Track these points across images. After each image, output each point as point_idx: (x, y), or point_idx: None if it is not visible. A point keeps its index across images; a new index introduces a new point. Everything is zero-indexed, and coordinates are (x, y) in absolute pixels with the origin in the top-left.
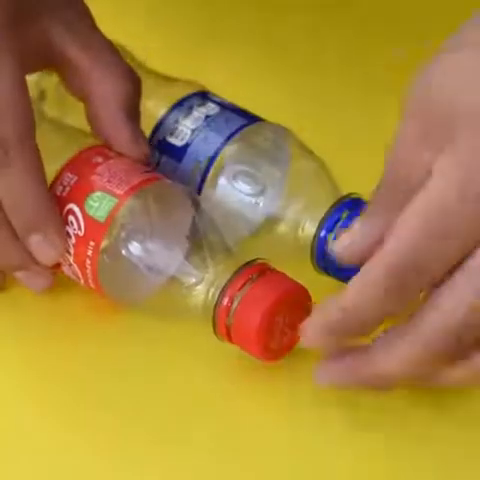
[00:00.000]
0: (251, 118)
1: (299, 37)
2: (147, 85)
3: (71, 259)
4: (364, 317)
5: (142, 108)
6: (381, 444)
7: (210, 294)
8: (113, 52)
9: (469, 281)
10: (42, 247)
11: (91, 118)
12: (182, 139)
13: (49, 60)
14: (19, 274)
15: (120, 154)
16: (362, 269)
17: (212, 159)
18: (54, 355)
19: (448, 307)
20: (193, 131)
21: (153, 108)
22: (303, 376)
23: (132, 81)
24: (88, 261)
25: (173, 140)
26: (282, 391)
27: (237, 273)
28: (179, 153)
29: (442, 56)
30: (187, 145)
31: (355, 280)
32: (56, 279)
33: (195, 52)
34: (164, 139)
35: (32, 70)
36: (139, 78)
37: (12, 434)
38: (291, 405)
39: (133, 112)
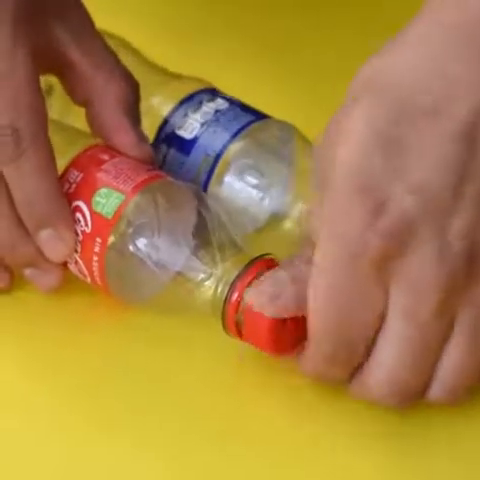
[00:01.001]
0: (258, 115)
1: (304, 36)
2: (152, 82)
3: (78, 256)
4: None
5: (147, 104)
6: (382, 438)
7: (219, 290)
8: (113, 58)
9: (390, 345)
10: (52, 242)
11: (94, 121)
12: (191, 132)
13: (53, 63)
14: (28, 272)
15: (123, 154)
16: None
17: (219, 154)
18: (60, 354)
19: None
20: (202, 124)
21: (159, 105)
22: None
23: (132, 86)
24: (95, 258)
25: (182, 133)
26: (287, 385)
27: (245, 268)
28: (188, 146)
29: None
30: (196, 138)
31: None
32: (63, 278)
33: (200, 50)
34: (173, 132)
35: (41, 71)
36: (137, 82)
37: (21, 425)
38: (295, 400)
39: (135, 115)
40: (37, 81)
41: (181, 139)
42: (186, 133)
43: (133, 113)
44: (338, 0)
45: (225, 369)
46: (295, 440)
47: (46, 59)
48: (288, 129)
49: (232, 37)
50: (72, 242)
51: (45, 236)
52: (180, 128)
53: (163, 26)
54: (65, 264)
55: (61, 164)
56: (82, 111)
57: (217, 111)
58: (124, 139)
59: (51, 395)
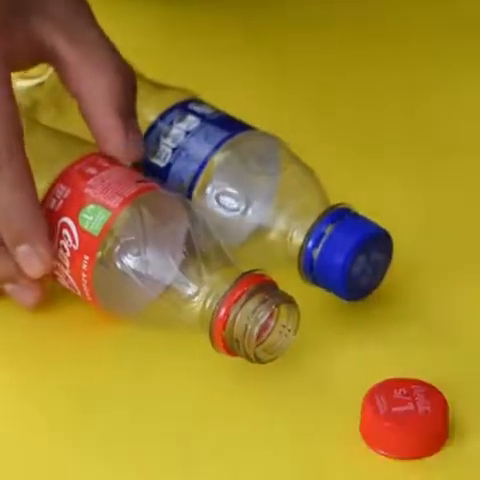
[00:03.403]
0: (234, 129)
1: (296, 42)
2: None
3: (67, 272)
4: None
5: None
6: None
7: (207, 305)
8: (107, 48)
9: None
10: (29, 259)
11: (83, 116)
12: (164, 159)
13: (40, 57)
14: (8, 288)
15: (114, 163)
16: None
17: (195, 178)
18: (49, 366)
19: None
20: (174, 150)
21: (144, 117)
22: (301, 374)
23: (125, 76)
24: (84, 275)
25: (156, 160)
26: (281, 391)
27: (234, 284)
28: (163, 173)
29: None
30: (169, 165)
31: None
32: (52, 290)
33: (191, 57)
34: (147, 159)
35: (21, 68)
36: (134, 74)
37: (14, 435)
38: (290, 405)
39: (126, 109)
40: (10, 91)
41: (156, 167)
42: (159, 161)
43: (125, 107)
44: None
45: (221, 376)
46: (293, 444)
47: (30, 53)
48: (271, 141)
49: (230, 41)
50: (49, 258)
51: (21, 252)
52: (153, 155)
53: (160, 30)
54: (54, 277)
55: (49, 176)
56: (73, 124)
57: (187, 133)
58: (112, 139)
59: (44, 402)
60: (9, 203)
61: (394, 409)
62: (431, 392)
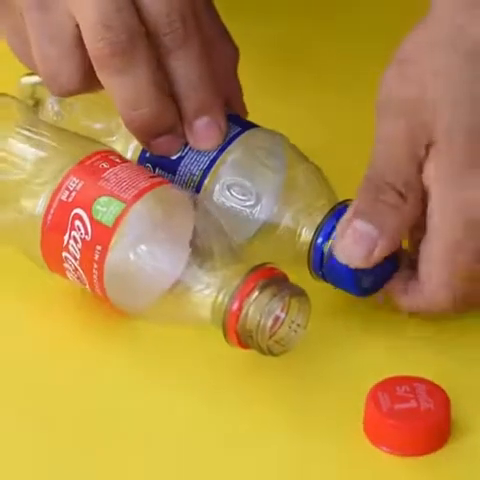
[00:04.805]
0: (244, 125)
1: (298, 41)
2: None
3: (77, 264)
4: None
5: None
6: None
7: (219, 299)
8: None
9: None
10: (209, 129)
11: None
12: (176, 152)
13: None
14: (159, 140)
15: (124, 160)
16: None
17: (206, 171)
18: (51, 363)
19: None
20: (186, 143)
21: None
22: (305, 370)
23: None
24: (95, 266)
25: None
26: (286, 387)
27: (246, 278)
28: (173, 166)
29: None
30: (181, 158)
31: None
32: (61, 287)
33: None
34: None
35: None
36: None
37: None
38: (293, 402)
39: None
40: None
41: (166, 159)
42: None
43: None
44: (346, 8)
45: (223, 374)
46: (296, 440)
47: None
48: (277, 139)
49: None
50: (225, 129)
51: (203, 122)
52: None
53: None
54: (63, 270)
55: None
56: (75, 122)
57: None
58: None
59: (45, 401)
60: (198, 74)
61: (397, 406)
62: (434, 389)
